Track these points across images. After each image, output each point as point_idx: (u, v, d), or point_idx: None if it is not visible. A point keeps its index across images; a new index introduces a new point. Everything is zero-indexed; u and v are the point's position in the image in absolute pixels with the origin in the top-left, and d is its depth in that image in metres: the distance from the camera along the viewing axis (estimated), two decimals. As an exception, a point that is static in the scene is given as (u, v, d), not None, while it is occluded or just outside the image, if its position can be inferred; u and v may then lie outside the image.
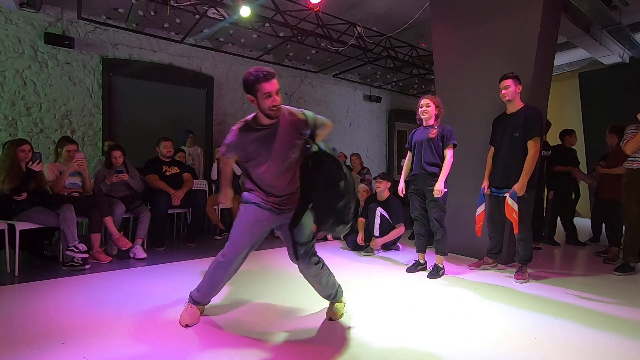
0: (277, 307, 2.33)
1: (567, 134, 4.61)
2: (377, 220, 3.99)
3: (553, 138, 4.65)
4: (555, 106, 7.29)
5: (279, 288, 2.70)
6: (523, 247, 2.98)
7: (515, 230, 2.90)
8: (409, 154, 3.27)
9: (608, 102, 6.64)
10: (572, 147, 4.63)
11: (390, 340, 1.87)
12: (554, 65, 4.05)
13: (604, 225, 4.21)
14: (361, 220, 4.18)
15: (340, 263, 3.53)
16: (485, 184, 3.19)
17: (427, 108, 3.03)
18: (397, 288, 2.77)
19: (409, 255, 3.79)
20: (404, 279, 3.02)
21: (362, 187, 4.73)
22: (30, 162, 3.06)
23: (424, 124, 3.10)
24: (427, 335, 1.93)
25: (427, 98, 3.07)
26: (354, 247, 4.11)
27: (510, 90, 2.95)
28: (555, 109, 7.36)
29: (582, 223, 6.04)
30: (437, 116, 3.04)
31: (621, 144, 3.25)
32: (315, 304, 2.32)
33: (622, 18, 5.10)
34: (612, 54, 6.16)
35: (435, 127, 3.02)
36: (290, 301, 2.42)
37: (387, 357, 1.71)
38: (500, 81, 3.01)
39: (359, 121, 8.44)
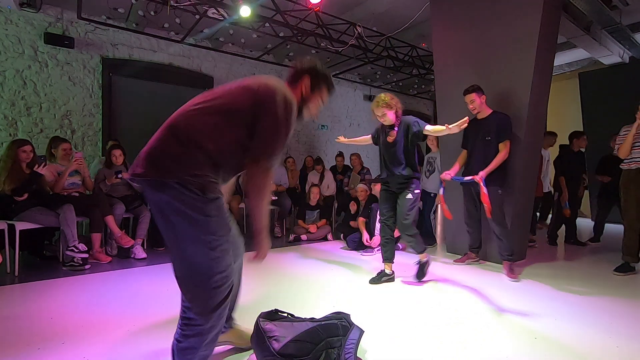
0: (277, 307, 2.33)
1: (575, 136, 4.46)
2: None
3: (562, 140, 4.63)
4: (555, 106, 7.30)
5: (280, 289, 2.71)
6: (504, 242, 3.10)
7: (488, 214, 2.97)
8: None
9: (608, 102, 6.64)
10: (580, 149, 4.47)
11: (390, 340, 1.87)
12: (554, 65, 4.05)
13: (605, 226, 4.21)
14: (362, 219, 4.18)
15: (341, 263, 3.53)
16: (449, 174, 3.20)
17: (385, 117, 2.76)
18: (397, 288, 2.77)
19: (409, 255, 3.79)
20: (404, 279, 3.02)
21: (361, 187, 4.73)
22: (36, 165, 3.05)
23: (385, 125, 2.87)
24: (427, 335, 1.93)
25: (382, 107, 2.73)
26: (355, 247, 4.10)
27: (476, 103, 3.18)
28: (555, 109, 7.37)
29: (584, 223, 6.04)
30: (396, 116, 2.78)
31: (615, 148, 3.33)
32: (315, 306, 2.31)
33: (622, 18, 5.10)
34: (612, 54, 6.16)
35: (395, 129, 2.80)
36: (291, 302, 2.41)
37: (385, 359, 1.71)
38: (464, 95, 3.20)
39: (359, 121, 8.45)
